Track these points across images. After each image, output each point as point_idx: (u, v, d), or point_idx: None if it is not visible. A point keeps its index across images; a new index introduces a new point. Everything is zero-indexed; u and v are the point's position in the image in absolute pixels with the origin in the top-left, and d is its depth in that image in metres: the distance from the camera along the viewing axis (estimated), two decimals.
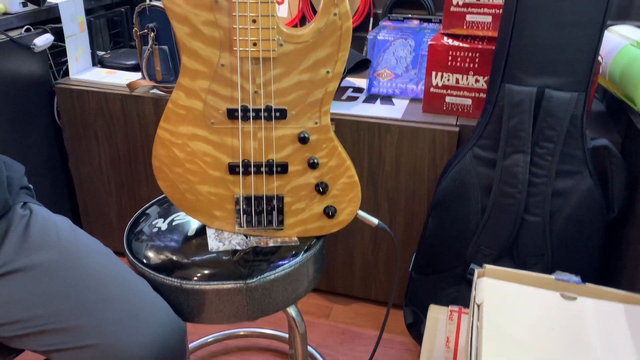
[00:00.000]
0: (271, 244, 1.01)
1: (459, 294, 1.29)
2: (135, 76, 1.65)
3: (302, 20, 1.83)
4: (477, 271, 1.02)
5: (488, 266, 1.02)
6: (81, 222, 1.81)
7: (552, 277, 0.99)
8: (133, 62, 1.72)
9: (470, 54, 1.32)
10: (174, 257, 0.98)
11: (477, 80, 1.34)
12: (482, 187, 1.20)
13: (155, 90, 1.55)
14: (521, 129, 1.12)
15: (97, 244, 0.93)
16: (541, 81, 1.10)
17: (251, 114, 0.94)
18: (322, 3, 0.89)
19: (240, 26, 0.87)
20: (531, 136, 1.12)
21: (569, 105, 1.09)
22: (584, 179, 1.14)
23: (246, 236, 1.03)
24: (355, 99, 1.53)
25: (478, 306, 0.93)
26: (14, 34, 1.52)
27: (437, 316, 1.20)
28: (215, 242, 1.00)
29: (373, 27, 1.76)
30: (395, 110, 1.44)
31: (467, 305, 1.21)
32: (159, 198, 1.17)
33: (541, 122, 1.11)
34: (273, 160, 0.98)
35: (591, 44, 1.06)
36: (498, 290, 0.96)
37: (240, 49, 0.88)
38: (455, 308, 1.19)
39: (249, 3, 0.85)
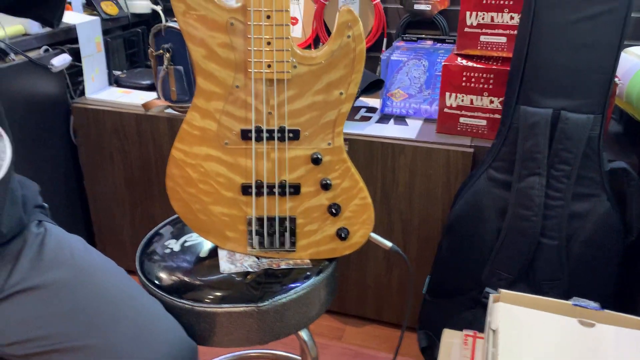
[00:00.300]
0: (283, 266, 1.00)
1: (474, 317, 1.27)
2: (150, 96, 1.66)
3: (315, 41, 1.84)
4: (492, 296, 1.01)
5: (503, 291, 1.01)
6: (95, 241, 1.81)
7: (570, 302, 0.97)
8: (148, 81, 1.74)
9: (484, 75, 1.32)
10: (186, 279, 0.97)
11: (491, 101, 1.33)
12: (497, 209, 1.19)
13: (170, 110, 1.56)
14: (537, 151, 1.11)
15: (110, 263, 0.93)
16: (557, 103, 1.09)
17: (265, 135, 0.94)
18: (336, 25, 0.90)
19: (255, 48, 0.87)
20: (547, 158, 1.11)
21: (585, 127, 1.08)
22: (601, 202, 1.12)
23: (258, 258, 1.02)
24: (368, 118, 1.53)
25: (493, 332, 0.91)
26: (32, 54, 1.54)
27: (452, 340, 1.18)
28: (227, 264, 1.00)
29: (387, 47, 1.77)
30: (409, 131, 1.43)
31: (482, 330, 1.19)
32: (172, 218, 1.17)
33: (557, 144, 1.10)
34: (286, 181, 0.97)
35: (607, 65, 1.05)
36: (514, 316, 0.94)
37: (255, 70, 0.89)
38: (470, 332, 1.16)
39: (264, 26, 0.86)
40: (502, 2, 1.30)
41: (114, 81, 1.79)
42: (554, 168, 1.11)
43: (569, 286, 1.17)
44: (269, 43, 0.88)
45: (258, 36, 0.87)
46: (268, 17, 0.86)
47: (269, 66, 0.89)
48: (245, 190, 0.97)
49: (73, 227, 1.77)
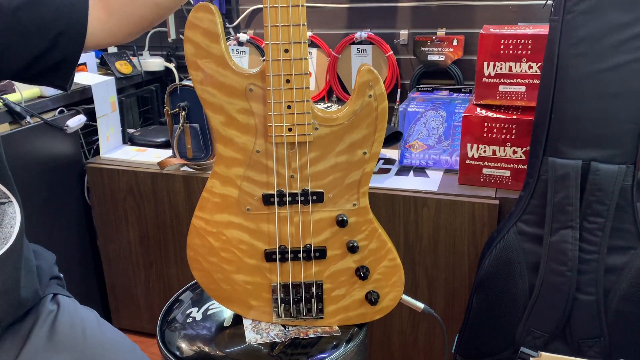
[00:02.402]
0: (311, 335, 0.95)
1: None
2: (165, 153, 1.65)
3: (329, 93, 1.84)
4: (532, 359, 0.95)
5: (544, 354, 0.95)
6: (108, 302, 1.77)
7: None
8: (163, 139, 1.73)
9: (506, 125, 1.29)
10: (209, 350, 0.93)
11: (515, 152, 1.30)
12: (528, 264, 1.14)
13: (185, 168, 1.55)
14: (568, 204, 1.07)
15: (123, 339, 0.89)
16: (586, 154, 1.05)
17: (287, 199, 0.91)
18: (357, 85, 0.88)
19: (275, 113, 0.85)
20: (579, 211, 1.07)
21: (617, 178, 1.04)
22: (638, 255, 1.07)
23: (284, 326, 0.97)
24: (387, 171, 1.50)
25: None
26: (48, 116, 1.54)
27: None
28: (252, 334, 0.95)
29: (401, 98, 1.76)
30: (430, 183, 1.40)
31: None
32: (191, 283, 1.13)
33: (589, 196, 1.06)
34: (311, 245, 0.94)
35: (637, 114, 1.02)
36: None
37: (276, 135, 0.87)
38: None
39: (284, 90, 0.84)
40: (519, 52, 1.29)
41: (128, 139, 1.78)
42: (587, 220, 1.07)
43: (609, 345, 1.11)
44: (289, 107, 0.86)
45: (278, 100, 0.85)
46: (287, 81, 0.84)
47: (290, 129, 0.87)
48: (269, 256, 0.93)
49: (86, 287, 1.73)
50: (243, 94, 0.85)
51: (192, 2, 0.84)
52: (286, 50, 0.82)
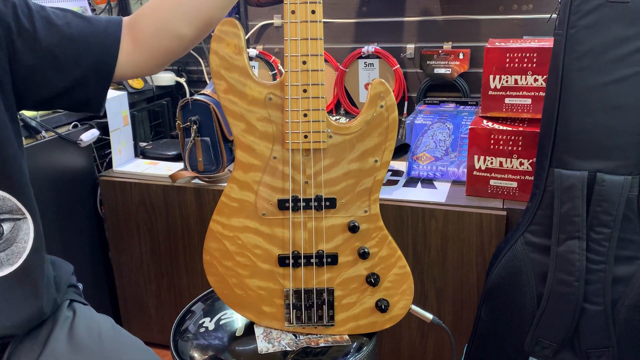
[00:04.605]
0: (322, 344, 0.96)
1: None
2: (176, 166, 1.68)
3: (337, 106, 1.87)
4: None
5: None
6: (120, 312, 1.78)
7: None
8: (174, 152, 1.76)
9: (512, 137, 1.31)
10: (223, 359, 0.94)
11: (521, 163, 1.32)
12: (536, 275, 1.15)
13: (196, 180, 1.57)
14: (574, 214, 1.09)
15: (138, 343, 0.91)
16: (592, 165, 1.07)
17: (301, 204, 0.94)
18: (369, 96, 0.91)
19: (292, 120, 0.88)
20: (585, 221, 1.08)
21: (623, 188, 1.06)
22: None
23: (296, 335, 0.99)
24: (395, 182, 1.52)
25: None
26: (62, 130, 1.58)
27: None
28: (264, 343, 0.96)
29: (408, 110, 1.79)
30: (438, 194, 1.42)
31: None
32: (202, 295, 1.14)
33: (595, 207, 1.08)
34: (323, 251, 0.96)
35: None
36: None
37: (292, 141, 0.89)
38: None
39: (301, 99, 0.87)
40: (525, 65, 1.32)
41: (140, 153, 1.82)
42: (594, 231, 1.09)
43: (619, 354, 1.11)
44: (305, 115, 0.89)
45: (295, 109, 0.88)
46: (304, 90, 0.87)
47: (306, 137, 0.90)
48: (282, 261, 0.95)
49: (98, 298, 1.75)
50: (263, 102, 0.88)
51: (211, 34, 0.88)
52: (304, 62, 0.85)
